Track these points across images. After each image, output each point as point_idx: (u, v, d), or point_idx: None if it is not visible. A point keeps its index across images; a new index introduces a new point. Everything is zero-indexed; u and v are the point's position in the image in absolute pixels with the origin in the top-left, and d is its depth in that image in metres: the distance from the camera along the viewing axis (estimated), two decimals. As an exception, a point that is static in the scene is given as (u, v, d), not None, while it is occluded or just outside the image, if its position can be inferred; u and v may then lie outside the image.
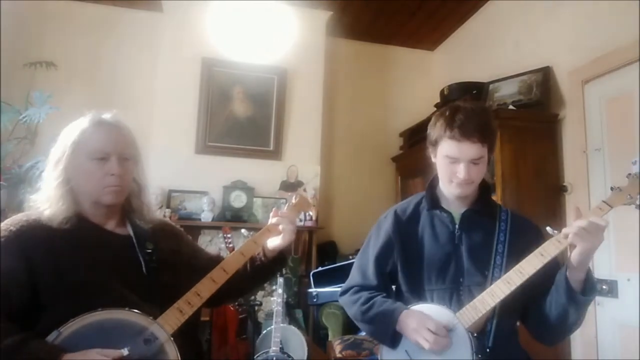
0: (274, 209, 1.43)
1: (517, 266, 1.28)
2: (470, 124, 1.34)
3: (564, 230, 1.24)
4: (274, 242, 1.40)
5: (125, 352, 1.06)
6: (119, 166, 1.24)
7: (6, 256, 1.13)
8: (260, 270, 1.43)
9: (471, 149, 1.35)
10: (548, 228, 1.28)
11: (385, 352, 1.43)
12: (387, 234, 1.50)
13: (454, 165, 1.37)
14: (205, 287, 1.24)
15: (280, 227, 1.37)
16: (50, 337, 1.05)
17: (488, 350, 1.29)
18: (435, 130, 1.42)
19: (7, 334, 1.03)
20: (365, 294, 1.48)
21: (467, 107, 1.39)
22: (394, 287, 1.53)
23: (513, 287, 1.26)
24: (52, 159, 1.26)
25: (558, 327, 1.32)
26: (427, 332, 1.27)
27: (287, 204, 1.50)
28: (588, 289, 1.26)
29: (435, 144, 1.42)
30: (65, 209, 1.21)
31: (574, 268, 1.24)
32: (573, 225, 1.21)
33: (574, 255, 1.22)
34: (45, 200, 1.23)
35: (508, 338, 1.37)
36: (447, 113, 1.40)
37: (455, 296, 1.37)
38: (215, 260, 1.36)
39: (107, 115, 1.31)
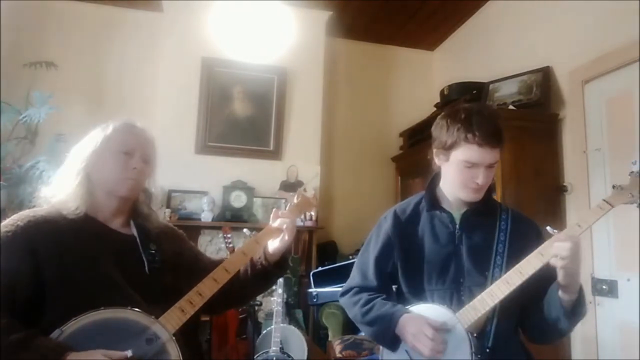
0: (274, 210, 1.42)
1: (517, 266, 1.28)
2: (489, 129, 1.33)
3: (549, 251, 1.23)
4: (274, 245, 1.38)
5: (129, 354, 1.06)
6: (141, 163, 1.32)
7: (13, 251, 1.13)
8: (261, 275, 1.42)
9: (491, 154, 1.34)
10: (548, 227, 1.28)
11: (386, 352, 1.43)
12: (387, 235, 1.50)
13: (471, 170, 1.36)
14: (207, 287, 1.24)
15: (289, 225, 1.36)
16: (53, 335, 1.05)
17: (488, 350, 1.29)
18: (449, 134, 1.37)
19: (12, 331, 1.03)
20: (365, 296, 1.48)
21: (482, 111, 1.37)
22: (394, 287, 1.53)
23: (513, 287, 1.26)
24: (76, 152, 1.33)
25: (550, 334, 1.35)
26: (425, 339, 1.27)
27: (289, 204, 1.48)
28: (577, 310, 1.27)
29: (450, 148, 1.38)
30: (80, 195, 1.26)
31: (566, 288, 1.25)
32: (555, 246, 1.21)
33: (561, 278, 1.23)
34: (59, 188, 1.28)
35: (508, 338, 1.37)
36: (463, 116, 1.36)
37: (456, 297, 1.37)
38: (217, 264, 1.34)
39: (138, 122, 1.41)
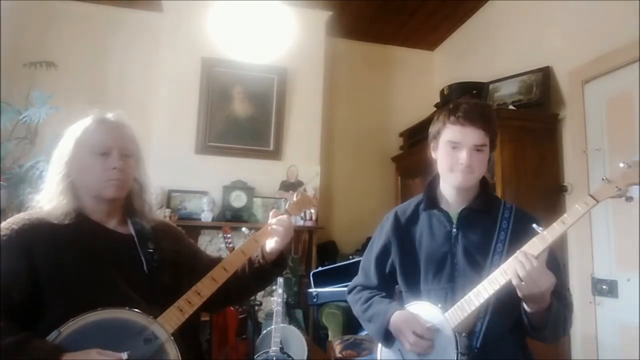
0: (273, 210, 1.42)
1: (503, 265, 1.26)
2: (473, 111, 1.38)
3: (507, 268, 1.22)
4: (271, 244, 1.38)
5: (124, 356, 1.06)
6: (120, 161, 1.26)
7: (8, 254, 1.13)
8: (259, 274, 1.41)
9: (474, 134, 1.37)
10: (534, 225, 1.25)
11: (383, 352, 1.45)
12: (387, 235, 1.53)
13: (456, 151, 1.38)
14: (206, 286, 1.24)
15: (277, 228, 1.35)
16: (51, 337, 1.05)
17: (476, 350, 1.29)
18: (437, 122, 1.45)
19: (7, 334, 1.03)
20: (366, 294, 1.52)
21: (469, 101, 1.44)
22: (397, 287, 1.55)
23: (497, 287, 1.24)
24: (55, 157, 1.29)
25: (540, 338, 1.34)
26: (411, 334, 1.28)
27: (289, 202, 1.49)
28: (541, 326, 1.25)
29: (437, 134, 1.44)
30: (66, 203, 1.23)
31: (526, 301, 1.23)
32: (515, 263, 1.19)
33: (519, 291, 1.21)
34: (46, 197, 1.26)
35: (502, 337, 1.35)
36: (451, 105, 1.43)
37: (450, 296, 1.37)
38: (216, 261, 1.34)
39: (109, 114, 1.35)
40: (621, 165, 1.24)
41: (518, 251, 1.22)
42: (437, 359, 1.27)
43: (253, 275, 1.41)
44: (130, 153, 1.31)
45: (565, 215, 1.24)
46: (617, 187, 1.22)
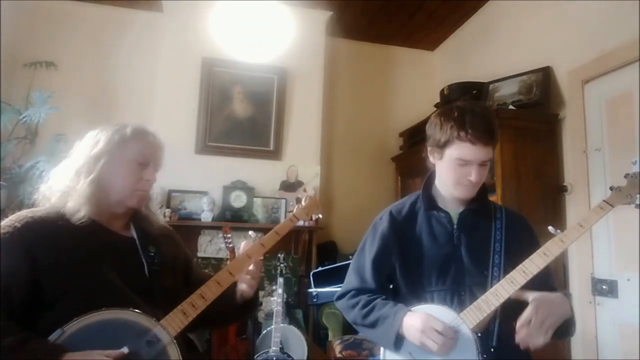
0: (244, 243, 1.41)
1: (521, 266, 1.27)
2: (482, 127, 1.34)
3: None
4: (241, 286, 1.39)
5: (125, 350, 1.06)
6: (154, 174, 1.31)
7: (9, 252, 1.13)
8: (228, 310, 1.43)
9: (483, 152, 1.35)
10: (550, 228, 1.28)
11: (388, 354, 1.40)
12: (384, 236, 1.49)
13: (464, 168, 1.37)
14: (210, 290, 1.24)
15: (251, 281, 1.37)
16: (54, 336, 1.05)
17: (492, 350, 1.29)
18: (442, 132, 1.39)
19: (7, 333, 1.03)
20: (364, 297, 1.45)
21: (474, 109, 1.38)
22: (390, 286, 1.52)
23: (517, 287, 1.25)
24: (85, 154, 1.27)
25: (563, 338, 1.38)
26: (435, 334, 1.25)
27: (297, 207, 1.47)
28: (559, 332, 1.27)
29: (443, 146, 1.39)
30: (90, 205, 1.23)
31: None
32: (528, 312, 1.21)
33: None
34: (64, 190, 1.24)
35: (510, 338, 1.36)
36: (456, 114, 1.37)
37: (457, 297, 1.36)
38: (207, 277, 1.34)
39: (148, 128, 1.38)
40: (630, 174, 1.33)
41: (554, 240, 1.26)
42: (456, 359, 1.25)
43: (229, 309, 1.42)
44: (158, 169, 1.35)
45: (582, 219, 1.30)
46: (629, 194, 1.31)
